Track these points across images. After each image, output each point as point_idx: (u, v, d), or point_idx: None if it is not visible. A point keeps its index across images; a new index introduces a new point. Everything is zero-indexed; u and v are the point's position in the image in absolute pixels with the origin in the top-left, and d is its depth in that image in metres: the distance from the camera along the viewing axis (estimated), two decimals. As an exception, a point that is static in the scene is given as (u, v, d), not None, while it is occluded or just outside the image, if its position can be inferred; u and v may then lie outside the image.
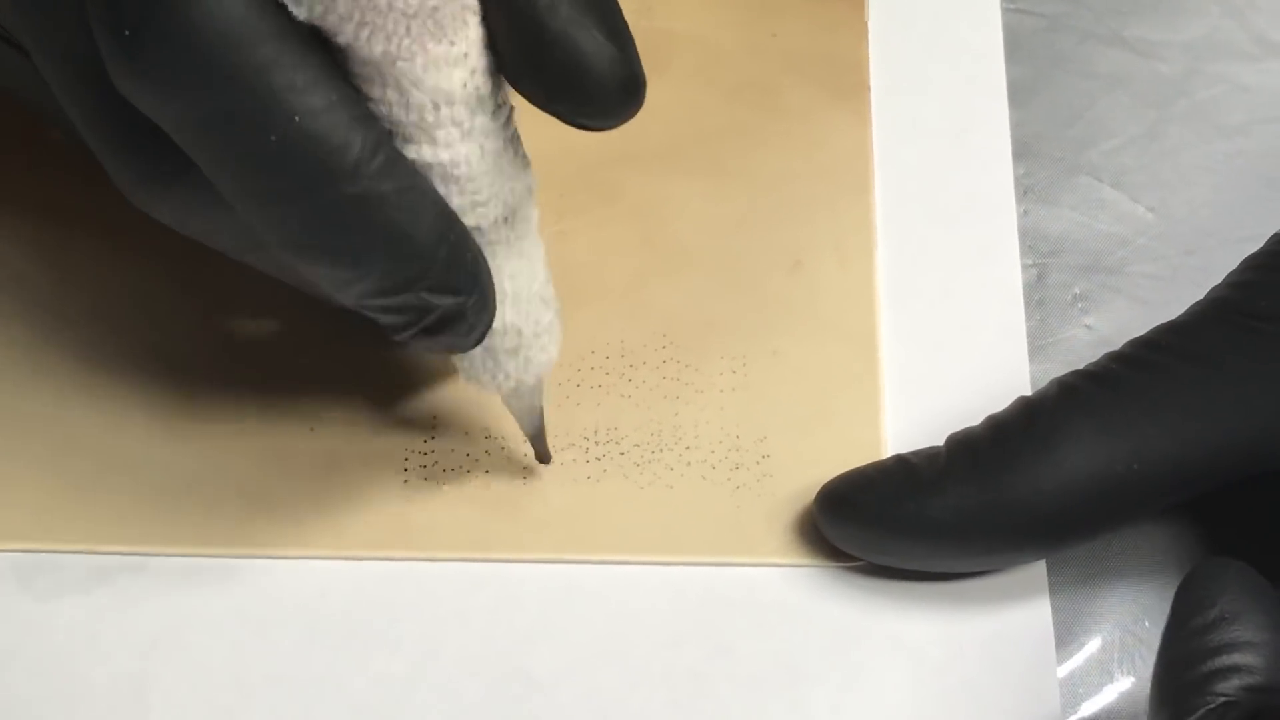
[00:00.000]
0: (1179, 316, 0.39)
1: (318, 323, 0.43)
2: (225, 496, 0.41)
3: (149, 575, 0.40)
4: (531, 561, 0.40)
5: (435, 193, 0.32)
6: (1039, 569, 0.39)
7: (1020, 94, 0.47)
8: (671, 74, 0.47)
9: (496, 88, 0.33)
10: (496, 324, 0.35)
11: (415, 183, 0.32)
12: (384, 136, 0.31)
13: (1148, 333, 0.39)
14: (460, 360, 0.38)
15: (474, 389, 0.38)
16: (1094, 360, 0.39)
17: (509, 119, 0.34)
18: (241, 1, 0.29)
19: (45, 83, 0.33)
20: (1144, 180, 0.46)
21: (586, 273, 0.43)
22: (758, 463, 0.41)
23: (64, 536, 0.40)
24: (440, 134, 0.32)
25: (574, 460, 0.41)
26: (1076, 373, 0.39)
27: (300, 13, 0.30)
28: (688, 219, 0.45)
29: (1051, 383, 0.39)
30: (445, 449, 0.41)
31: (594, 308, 0.43)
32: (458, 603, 0.39)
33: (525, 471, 0.41)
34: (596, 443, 0.42)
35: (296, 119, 0.30)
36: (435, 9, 0.30)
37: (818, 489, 0.39)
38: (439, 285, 0.32)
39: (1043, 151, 0.46)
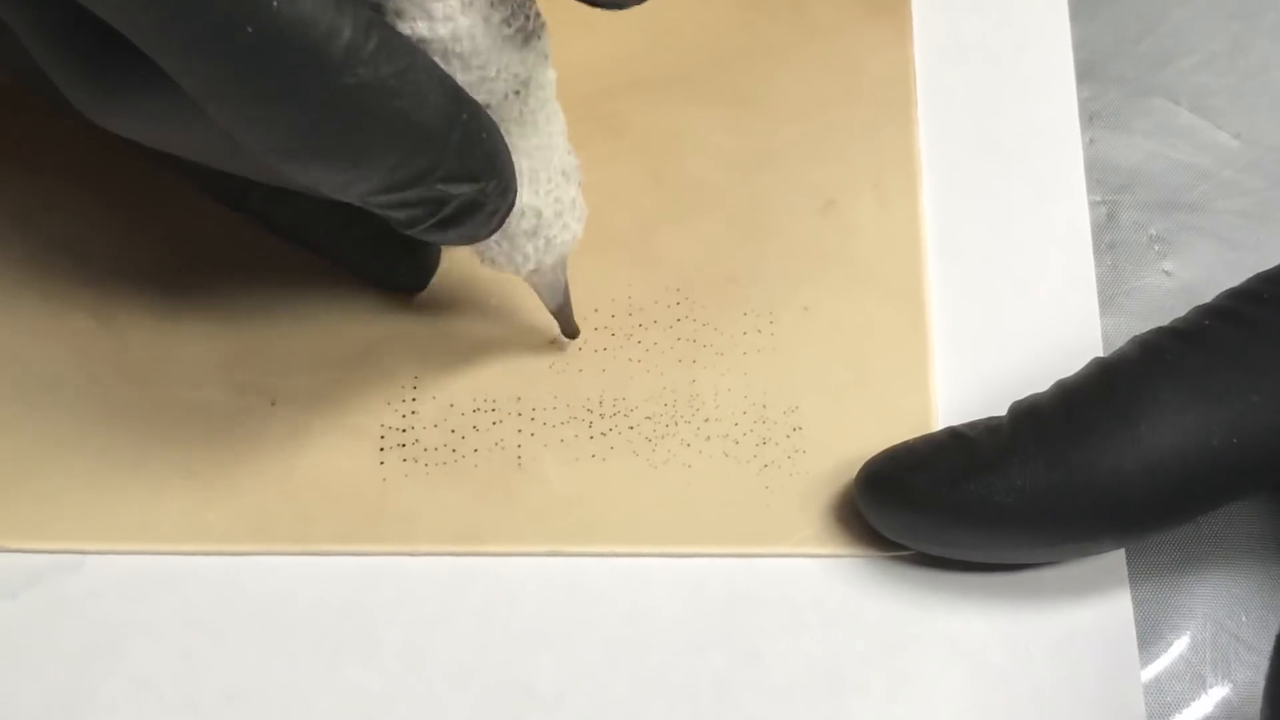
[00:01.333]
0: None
1: (281, 276, 0.39)
2: (172, 482, 0.37)
3: (86, 576, 0.37)
4: (528, 555, 0.37)
5: (439, 70, 0.30)
6: (1118, 557, 0.36)
7: (1083, 4, 0.44)
8: (685, -13, 0.44)
9: None
10: (514, 207, 0.33)
11: (416, 62, 0.29)
12: (375, 16, 0.29)
13: (1244, 283, 0.35)
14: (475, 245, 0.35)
15: (489, 270, 0.36)
16: (1179, 314, 0.35)
17: None
18: None
19: None
20: (1227, 103, 0.43)
21: (589, 218, 0.39)
22: (788, 436, 0.38)
23: None
24: (437, 7, 0.30)
25: (576, 436, 0.38)
26: (1161, 330, 0.35)
27: None
28: (704, 155, 0.42)
29: (1131, 342, 0.35)
30: (427, 423, 0.38)
31: (597, 258, 0.40)
32: (443, 604, 0.36)
33: (551, 346, 0.39)
34: (602, 415, 0.38)
35: (275, 4, 0.27)
36: None
37: (859, 467, 0.36)
38: (454, 174, 0.31)
39: (1110, 72, 0.43)
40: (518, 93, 0.32)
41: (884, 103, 0.42)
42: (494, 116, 0.32)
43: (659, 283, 0.39)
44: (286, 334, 0.39)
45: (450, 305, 0.39)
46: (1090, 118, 0.42)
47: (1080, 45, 0.43)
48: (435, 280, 0.39)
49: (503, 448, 0.37)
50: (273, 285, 0.39)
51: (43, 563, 0.36)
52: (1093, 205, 0.41)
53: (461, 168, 0.30)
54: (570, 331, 0.38)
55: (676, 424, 0.38)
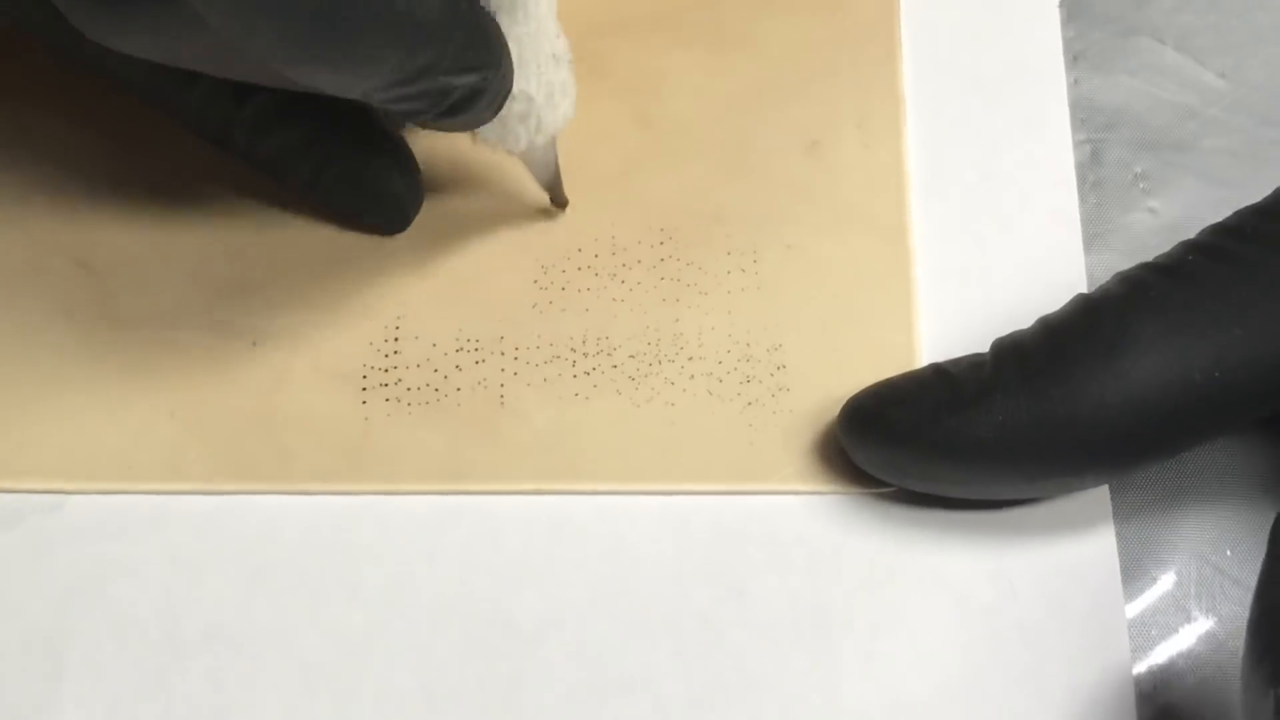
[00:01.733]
0: (1264, 199, 0.35)
1: (263, 217, 0.39)
2: (153, 423, 0.37)
3: (65, 516, 0.36)
4: (512, 493, 0.36)
5: None
6: (1102, 493, 0.36)
7: None
8: (666, -72, 0.43)
9: None
10: None
11: None
12: None
13: (1228, 218, 0.35)
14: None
15: (485, 150, 0.36)
16: (1164, 251, 0.35)
17: None
18: None
19: None
20: (1213, 41, 0.42)
21: (571, 159, 0.39)
22: (772, 374, 0.37)
23: None
24: None
25: (559, 375, 0.37)
26: (1144, 266, 0.35)
27: None
28: (687, 94, 0.41)
29: (1115, 278, 0.35)
30: (409, 363, 0.37)
31: (580, 199, 0.39)
32: (426, 542, 0.36)
33: (542, 214, 0.39)
34: (585, 354, 0.37)
35: None
36: None
37: (842, 404, 0.36)
38: (456, 66, 0.31)
39: (1095, 10, 0.43)
40: None
41: (868, 43, 0.41)
42: (486, 3, 0.32)
43: (643, 223, 0.39)
44: (267, 275, 0.38)
45: (433, 245, 0.38)
46: (1075, 57, 0.42)
47: (1065, -17, 0.43)
48: (417, 220, 0.38)
49: (486, 387, 0.37)
50: (254, 227, 0.39)
51: (24, 503, 0.36)
52: (1077, 144, 0.40)
53: (463, 60, 0.31)
54: (560, 201, 0.38)
55: (660, 363, 0.37)
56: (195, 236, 0.39)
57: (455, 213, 0.39)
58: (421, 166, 0.38)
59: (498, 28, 0.32)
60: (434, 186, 0.39)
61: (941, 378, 0.34)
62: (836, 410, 0.36)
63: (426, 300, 0.38)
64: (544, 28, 0.34)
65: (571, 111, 0.36)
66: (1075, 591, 0.35)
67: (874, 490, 0.36)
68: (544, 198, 0.39)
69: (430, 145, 0.39)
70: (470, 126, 0.33)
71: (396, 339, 0.37)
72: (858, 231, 0.39)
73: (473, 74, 0.31)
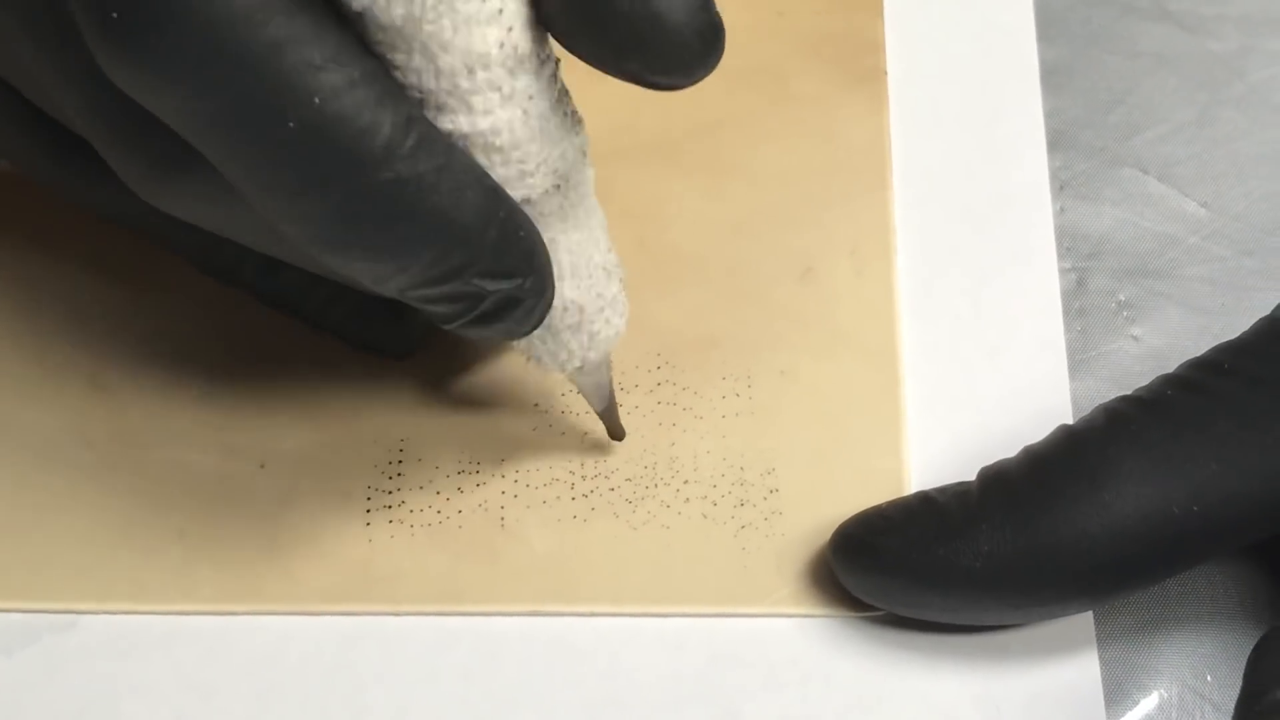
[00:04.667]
0: (1242, 335, 0.36)
1: (271, 340, 0.40)
2: (165, 543, 0.37)
3: (79, 635, 0.37)
4: (511, 614, 0.37)
5: (478, 167, 0.30)
6: (1085, 619, 0.36)
7: (1055, 77, 0.44)
8: (666, 58, 0.43)
9: (538, 41, 0.30)
10: (556, 302, 0.33)
11: (454, 159, 0.29)
12: (415, 110, 0.28)
13: (1206, 353, 0.36)
14: (518, 340, 0.35)
15: (535, 369, 0.36)
16: (1147, 379, 0.36)
17: (554, 74, 0.31)
18: None
19: None
20: (1195, 172, 0.43)
21: None
22: (765, 498, 0.38)
23: None
24: (476, 100, 0.29)
25: (558, 498, 0.38)
26: (1125, 398, 0.35)
27: None
28: (685, 221, 0.42)
29: (1097, 410, 0.35)
30: (413, 485, 0.38)
31: None
32: (428, 662, 0.36)
33: (598, 449, 0.39)
34: (584, 477, 0.38)
35: (316, 101, 0.27)
36: None
37: (833, 529, 0.36)
38: (491, 270, 0.30)
39: (1081, 141, 0.43)
40: (558, 187, 0.32)
41: (861, 171, 0.42)
42: (534, 211, 0.32)
43: (640, 347, 0.39)
44: (276, 398, 0.39)
45: (436, 369, 0.39)
46: (1061, 186, 0.42)
47: (1051, 115, 0.43)
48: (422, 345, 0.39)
49: (486, 509, 0.38)
50: (263, 350, 0.40)
51: (38, 622, 0.36)
52: (1063, 272, 0.41)
53: (497, 264, 0.30)
54: (617, 434, 0.38)
55: (656, 486, 0.38)
56: (205, 359, 0.39)
57: (458, 339, 0.39)
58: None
59: (539, 237, 0.31)
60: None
61: (929, 506, 0.35)
62: (828, 534, 0.36)
63: (429, 423, 0.39)
64: (594, 236, 0.34)
65: (624, 328, 0.36)
66: (1059, 715, 0.35)
67: (864, 614, 0.36)
68: (598, 430, 0.38)
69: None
70: (509, 336, 0.32)
71: (400, 461, 0.38)
72: (850, 357, 0.39)
73: (507, 280, 0.31)
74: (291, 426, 0.39)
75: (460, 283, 0.30)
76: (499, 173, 0.31)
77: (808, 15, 0.45)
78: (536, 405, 0.39)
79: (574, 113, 0.32)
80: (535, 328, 0.32)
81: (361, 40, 0.28)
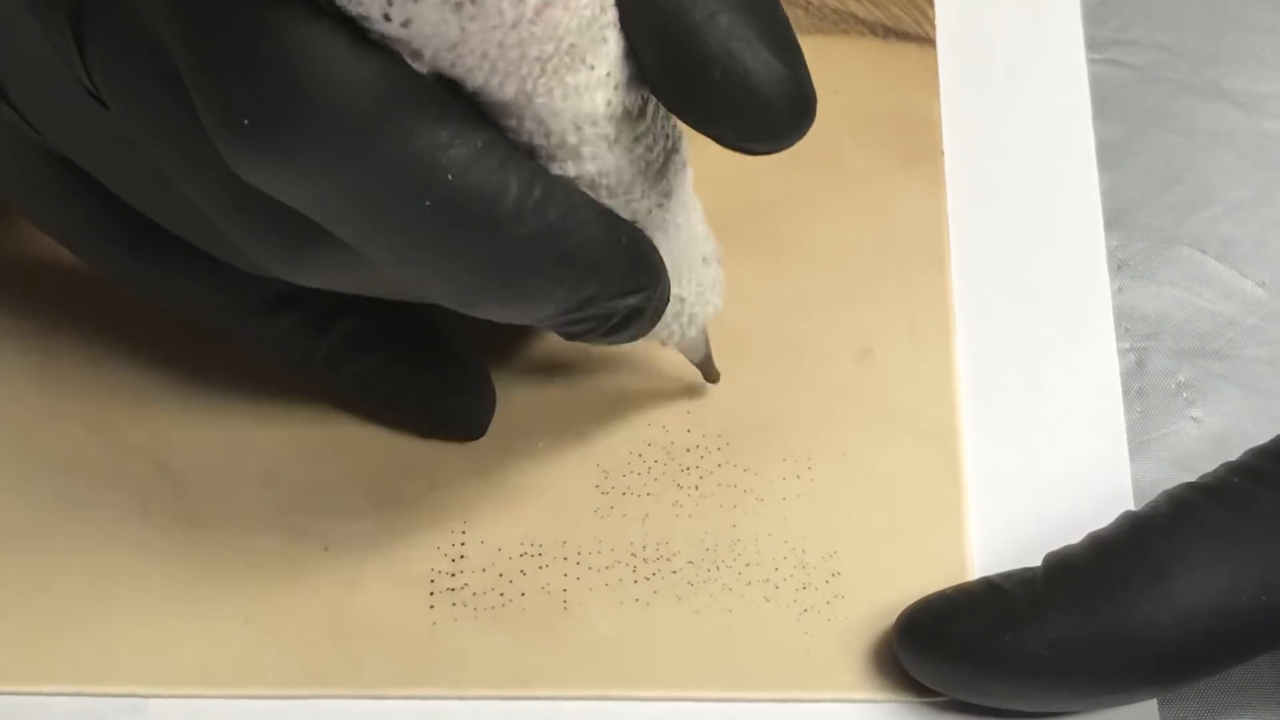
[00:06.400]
0: None
1: (335, 421, 0.40)
2: (229, 627, 0.37)
3: (145, 719, 0.37)
4: (574, 699, 0.37)
5: (595, 203, 0.31)
6: (1150, 705, 0.36)
7: (1111, 155, 0.44)
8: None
9: (641, 88, 0.31)
10: None
11: (575, 200, 0.30)
12: (535, 166, 0.30)
13: (1272, 440, 0.35)
14: None
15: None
16: (1208, 461, 0.36)
17: (656, 108, 0.32)
18: (367, 66, 0.27)
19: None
20: (1252, 251, 0.43)
21: (633, 363, 0.40)
22: (827, 582, 0.38)
23: (48, 675, 0.37)
24: (585, 150, 0.31)
25: (620, 580, 0.38)
26: (1190, 486, 0.35)
27: (423, 67, 0.28)
28: (742, 302, 0.42)
29: (1161, 496, 0.35)
30: (475, 569, 0.38)
31: (641, 403, 0.40)
32: None
33: (693, 390, 0.40)
34: (645, 559, 0.38)
35: (450, 176, 0.28)
36: (573, 45, 0.28)
37: (896, 612, 0.36)
38: (620, 292, 0.32)
39: (1138, 220, 0.43)
40: (661, 205, 0.33)
41: (918, 250, 0.42)
42: (640, 224, 0.33)
43: (701, 428, 0.40)
44: (339, 479, 0.39)
45: (498, 450, 0.39)
46: (1119, 265, 0.42)
47: (1109, 194, 0.43)
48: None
49: (549, 591, 0.38)
50: (326, 430, 0.40)
51: (103, 705, 0.36)
52: (1121, 352, 0.41)
53: (625, 286, 0.32)
54: (711, 377, 0.39)
55: (718, 568, 0.38)
56: (270, 439, 0.40)
57: (521, 418, 0.40)
58: (493, 373, 0.40)
59: (654, 249, 0.33)
60: (502, 390, 0.40)
61: (993, 592, 0.35)
62: (891, 618, 0.36)
63: (491, 505, 0.39)
64: (694, 235, 0.35)
65: (721, 303, 0.37)
66: (1124, 802, 0.35)
67: (929, 700, 0.36)
68: (696, 374, 0.40)
69: (501, 347, 0.40)
70: (633, 339, 0.34)
71: (463, 544, 0.38)
72: (910, 438, 0.39)
73: (635, 295, 0.32)
74: (355, 508, 0.39)
75: (594, 308, 0.32)
76: (606, 203, 0.32)
77: (863, 93, 0.45)
78: (597, 487, 0.39)
79: (675, 129, 0.33)
80: (655, 325, 0.34)
81: (476, 110, 0.29)
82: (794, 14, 0.45)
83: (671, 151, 0.33)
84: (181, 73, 0.27)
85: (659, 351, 0.40)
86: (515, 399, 0.40)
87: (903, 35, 0.46)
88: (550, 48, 0.28)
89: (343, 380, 0.38)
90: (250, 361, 0.40)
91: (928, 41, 0.46)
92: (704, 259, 0.36)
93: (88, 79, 0.30)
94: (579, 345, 0.36)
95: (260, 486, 0.39)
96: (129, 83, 0.29)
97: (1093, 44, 0.46)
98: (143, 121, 0.29)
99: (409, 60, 0.27)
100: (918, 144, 0.44)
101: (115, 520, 0.39)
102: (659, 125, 0.32)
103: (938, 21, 0.46)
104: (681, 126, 0.33)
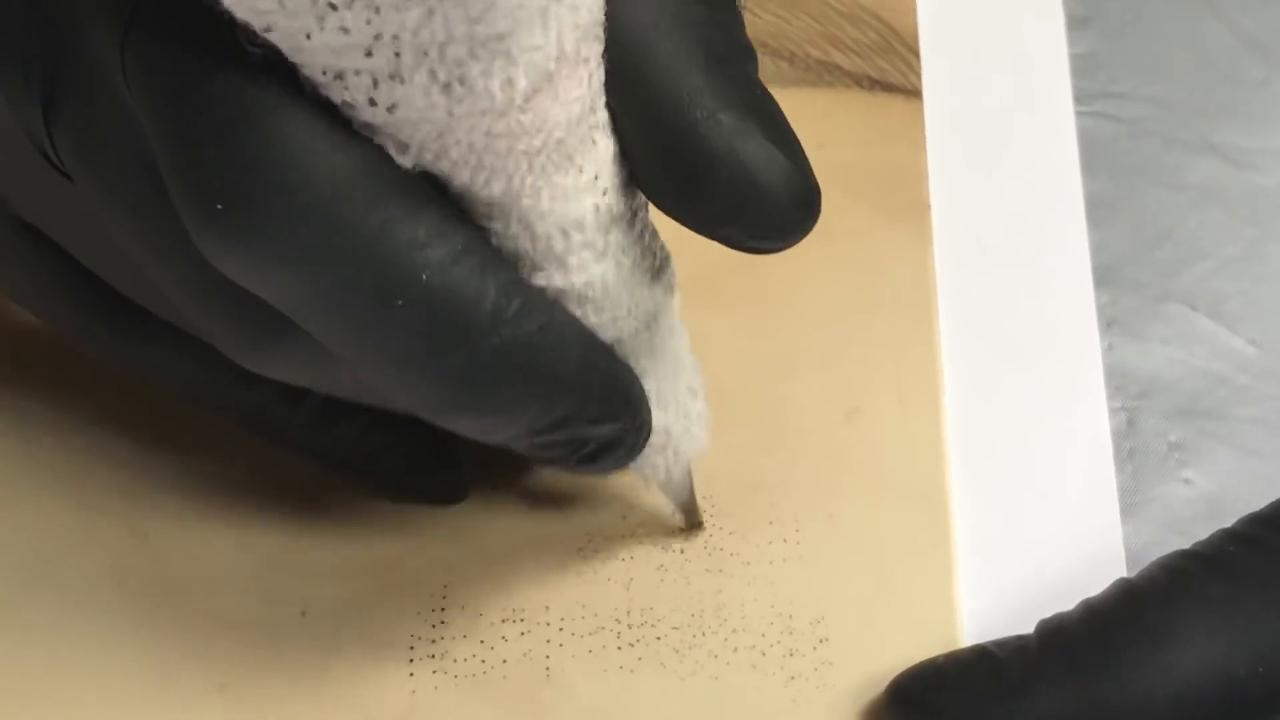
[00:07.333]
0: None
1: (310, 483, 0.39)
2: (206, 695, 0.37)
3: None
4: None
5: (576, 321, 0.30)
6: None
7: (1100, 211, 0.44)
8: (706, 191, 0.43)
9: (630, 196, 0.30)
10: None
11: (554, 315, 0.29)
12: (515, 274, 0.29)
13: (1267, 507, 0.35)
14: None
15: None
16: (1200, 523, 0.36)
17: (645, 222, 0.32)
18: (346, 157, 0.26)
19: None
20: (1243, 308, 0.43)
21: None
22: (814, 648, 0.37)
23: None
24: (572, 260, 0.30)
25: (604, 646, 0.37)
26: (1185, 554, 0.35)
27: (407, 161, 0.27)
28: (727, 360, 0.41)
29: (1156, 565, 0.35)
30: (456, 634, 0.37)
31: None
32: None
33: (678, 533, 0.39)
34: (630, 625, 0.38)
35: (424, 277, 0.27)
36: (561, 141, 0.28)
37: (885, 679, 0.36)
38: (595, 417, 0.31)
39: (1128, 276, 0.43)
40: (647, 326, 0.32)
41: (906, 307, 0.42)
42: (625, 350, 0.32)
43: (685, 489, 0.39)
44: (316, 542, 0.38)
45: (478, 514, 0.39)
46: (1109, 323, 0.42)
47: (1098, 250, 0.43)
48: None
49: (531, 659, 0.37)
50: (302, 493, 0.39)
51: None
52: (1112, 412, 0.40)
53: (600, 411, 0.31)
54: (694, 523, 0.38)
55: (704, 634, 0.37)
56: (244, 503, 0.39)
57: (502, 481, 0.39)
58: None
59: (636, 378, 0.32)
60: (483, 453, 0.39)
61: (986, 661, 0.34)
62: (880, 684, 0.36)
63: (472, 570, 0.38)
64: (680, 362, 0.35)
65: (706, 440, 0.36)
66: None
67: (918, 770, 0.36)
68: (676, 514, 0.38)
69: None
70: (609, 472, 0.33)
71: (443, 609, 0.37)
72: (898, 501, 0.39)
73: (610, 424, 0.31)
74: (333, 571, 0.38)
75: (567, 431, 0.31)
76: (592, 320, 0.31)
77: (849, 146, 0.45)
78: (580, 551, 0.38)
79: (662, 248, 0.32)
80: (633, 459, 0.33)
81: (459, 210, 0.28)
82: (778, 66, 0.45)
83: (659, 271, 0.32)
84: (156, 152, 0.27)
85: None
86: (497, 462, 0.39)
87: (889, 87, 0.46)
88: (539, 142, 0.27)
89: (319, 449, 0.38)
90: (224, 427, 0.39)
91: (914, 94, 0.45)
92: (691, 390, 0.35)
93: (53, 151, 0.29)
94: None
95: (235, 551, 0.38)
96: (98, 159, 0.28)
97: (1081, 97, 0.46)
98: (110, 199, 0.29)
99: (394, 153, 0.27)
100: (904, 198, 0.44)
101: (87, 585, 0.38)
102: (646, 240, 0.31)
103: (924, 73, 0.46)
104: (667, 248, 0.32)
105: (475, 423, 0.30)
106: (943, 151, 0.45)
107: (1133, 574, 0.35)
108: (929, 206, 0.44)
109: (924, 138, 0.45)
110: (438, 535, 0.39)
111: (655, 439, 0.34)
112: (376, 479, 0.38)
